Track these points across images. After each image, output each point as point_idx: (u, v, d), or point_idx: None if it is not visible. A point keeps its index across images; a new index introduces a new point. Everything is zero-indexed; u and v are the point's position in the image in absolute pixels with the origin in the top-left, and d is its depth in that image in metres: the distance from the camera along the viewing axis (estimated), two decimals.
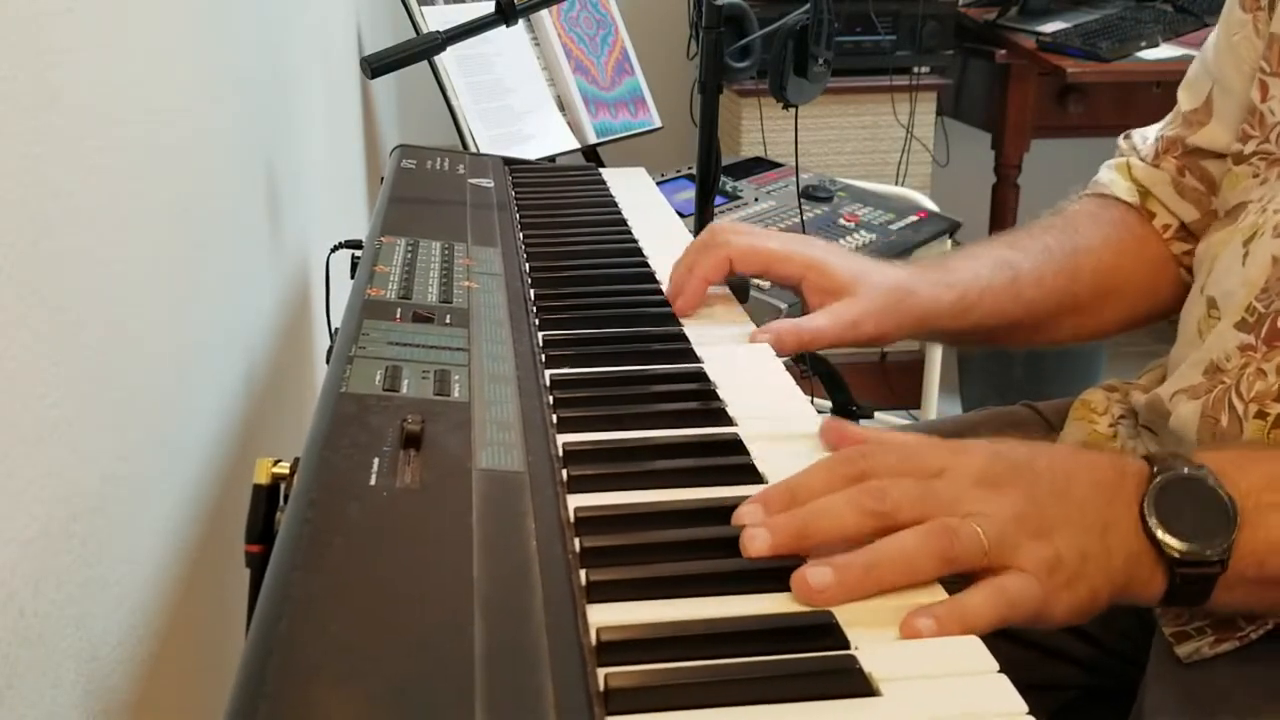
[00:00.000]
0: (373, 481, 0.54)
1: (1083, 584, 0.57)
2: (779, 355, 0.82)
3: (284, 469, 0.64)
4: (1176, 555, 0.58)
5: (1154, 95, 2.56)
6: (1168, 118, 0.99)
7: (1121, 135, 1.03)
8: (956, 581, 0.55)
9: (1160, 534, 0.58)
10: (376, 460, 0.56)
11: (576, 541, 0.54)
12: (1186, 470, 0.60)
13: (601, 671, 0.45)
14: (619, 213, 1.10)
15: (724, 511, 0.57)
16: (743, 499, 0.58)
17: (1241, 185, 0.85)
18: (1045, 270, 0.93)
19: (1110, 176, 0.99)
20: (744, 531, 0.54)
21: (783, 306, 1.61)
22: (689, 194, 1.55)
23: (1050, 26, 2.67)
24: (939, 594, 0.53)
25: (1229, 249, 0.81)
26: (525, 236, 1.00)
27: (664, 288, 0.90)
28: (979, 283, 0.90)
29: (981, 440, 0.62)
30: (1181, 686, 0.72)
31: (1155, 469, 0.60)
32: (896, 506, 0.55)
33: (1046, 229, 0.97)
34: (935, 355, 2.24)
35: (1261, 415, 0.74)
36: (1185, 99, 0.96)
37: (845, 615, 0.50)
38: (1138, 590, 0.59)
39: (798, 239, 0.90)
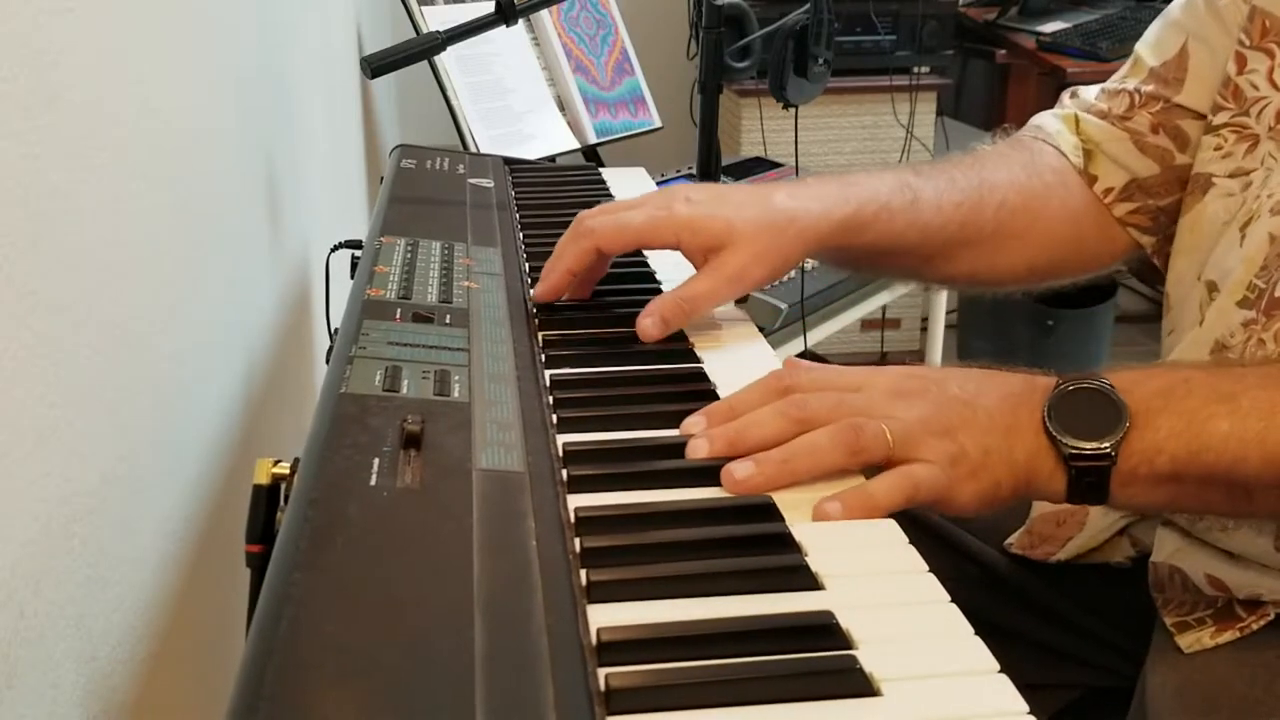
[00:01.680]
0: (373, 482, 0.54)
1: (986, 474, 0.64)
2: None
3: (284, 469, 0.64)
4: (1070, 450, 0.64)
5: None
6: (1122, 72, 0.95)
7: (1068, 91, 1.00)
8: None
9: (1055, 431, 0.64)
10: (377, 460, 0.56)
11: (577, 541, 0.54)
12: (1088, 382, 0.66)
13: (602, 672, 0.45)
14: None
15: (724, 512, 0.58)
16: (742, 498, 0.59)
17: (1204, 155, 0.84)
18: (946, 200, 0.90)
19: (1056, 127, 0.96)
20: (689, 442, 0.63)
21: (783, 307, 1.61)
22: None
23: (1050, 26, 2.67)
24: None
25: (1226, 235, 0.81)
26: (525, 236, 1.00)
27: (664, 288, 0.90)
28: (876, 200, 0.87)
29: (902, 366, 0.66)
30: (1182, 676, 0.72)
31: (1060, 381, 0.66)
32: (814, 414, 0.63)
33: (954, 164, 0.94)
34: (935, 355, 2.24)
35: None
36: (1150, 54, 0.92)
37: (841, 596, 0.50)
38: (1041, 485, 0.65)
39: (660, 197, 0.85)
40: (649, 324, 0.79)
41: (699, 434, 0.64)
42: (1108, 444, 0.64)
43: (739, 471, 0.60)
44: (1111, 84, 0.96)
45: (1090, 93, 0.98)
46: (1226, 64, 0.84)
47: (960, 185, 0.91)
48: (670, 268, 0.92)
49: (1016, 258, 0.94)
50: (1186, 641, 0.74)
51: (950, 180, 0.91)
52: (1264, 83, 0.81)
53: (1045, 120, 0.98)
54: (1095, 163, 0.94)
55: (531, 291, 0.84)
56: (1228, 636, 0.72)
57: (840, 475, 0.62)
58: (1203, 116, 0.88)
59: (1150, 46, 0.93)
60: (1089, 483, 0.65)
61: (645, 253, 0.98)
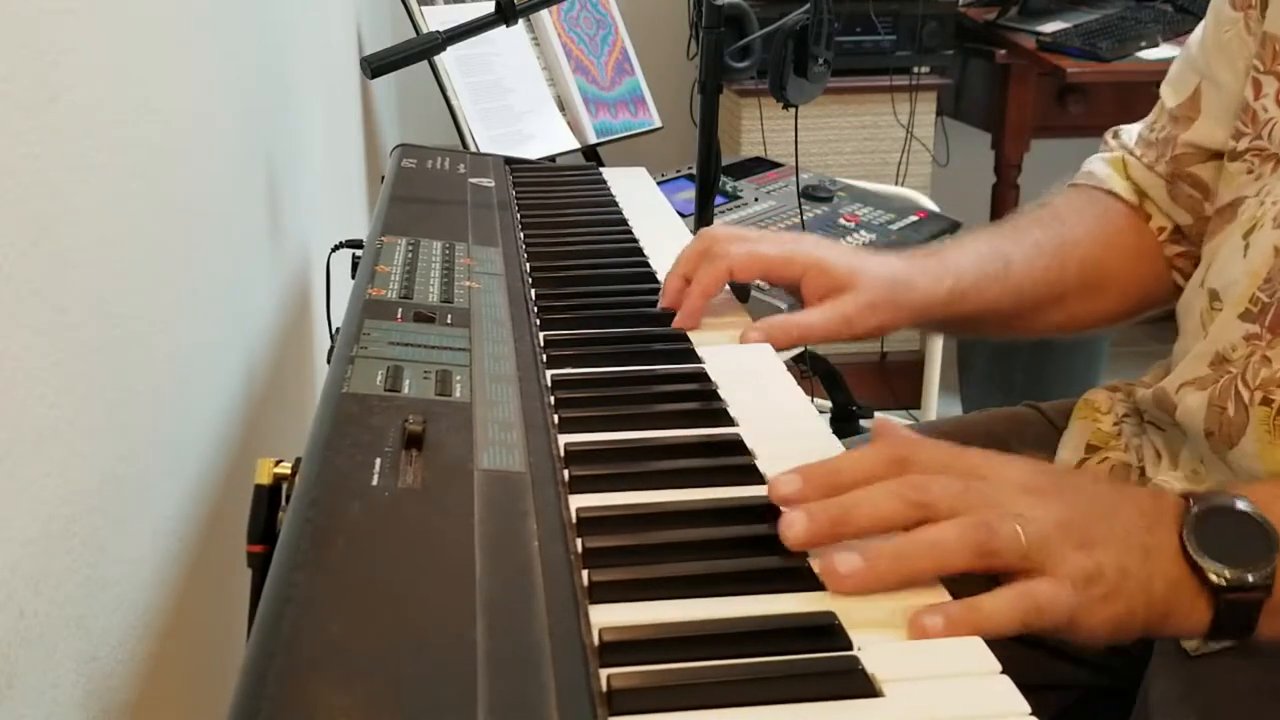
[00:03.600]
0: (374, 482, 0.54)
1: (1121, 600, 0.56)
2: (774, 349, 0.82)
3: (285, 469, 0.64)
4: (1221, 582, 0.57)
5: (1154, 95, 2.55)
6: (1151, 116, 0.98)
7: (1109, 132, 1.03)
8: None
9: (1202, 560, 0.57)
10: (378, 460, 0.55)
11: (578, 542, 0.54)
12: (1224, 500, 0.59)
13: (604, 672, 0.45)
14: (619, 213, 1.10)
15: (725, 512, 0.57)
16: (744, 499, 0.58)
17: (1236, 182, 0.85)
18: (1036, 262, 0.94)
19: (1106, 172, 0.99)
20: (784, 514, 0.54)
21: (782, 307, 1.61)
22: (689, 194, 1.55)
23: (1050, 26, 2.67)
24: (944, 596, 0.53)
25: (1229, 243, 0.82)
26: (526, 236, 0.99)
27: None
28: (972, 272, 0.91)
29: (1023, 456, 0.62)
30: (1187, 679, 0.72)
31: (1191, 500, 0.60)
32: (938, 500, 0.54)
33: (1034, 222, 0.97)
34: (935, 355, 2.24)
35: (1267, 402, 0.74)
36: (1169, 94, 0.95)
37: (850, 611, 0.50)
38: (1179, 620, 0.58)
39: (792, 239, 0.90)
40: (754, 337, 0.82)
41: (794, 501, 0.55)
42: (1261, 573, 0.57)
43: (844, 565, 0.52)
44: (1145, 130, 0.99)
45: (1131, 135, 1.00)
46: (1243, 91, 0.85)
47: (1044, 247, 0.95)
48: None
49: (1104, 305, 0.98)
50: (1192, 644, 0.74)
51: (1035, 243, 0.95)
52: (1273, 105, 0.82)
53: (1096, 166, 1.01)
54: (1146, 204, 0.97)
55: (661, 306, 0.85)
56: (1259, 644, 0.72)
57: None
58: (1213, 156, 0.90)
59: (1170, 85, 0.95)
60: (1237, 618, 0.58)
61: (646, 253, 0.98)
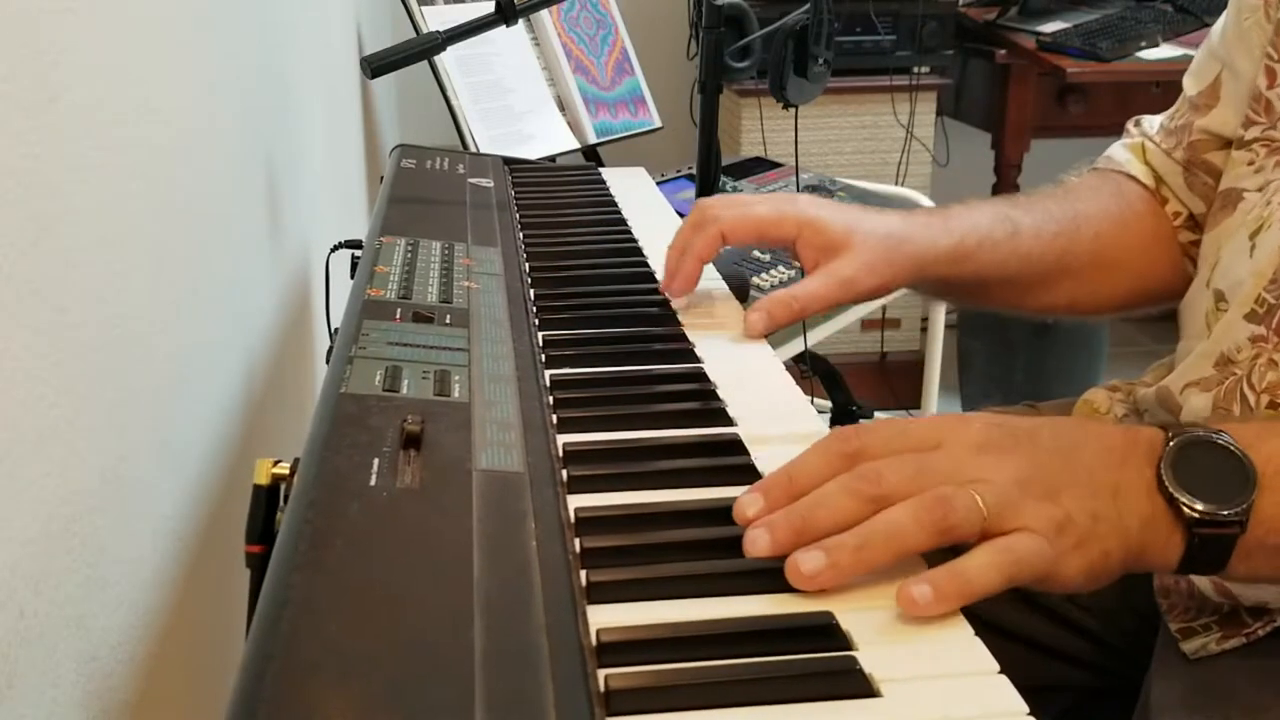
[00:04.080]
0: (373, 482, 0.54)
1: (1095, 545, 0.55)
2: (775, 329, 0.82)
3: (284, 469, 0.64)
4: (1195, 515, 0.56)
5: (1154, 95, 2.56)
6: (1174, 107, 0.98)
7: (1131, 121, 1.02)
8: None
9: (1179, 494, 0.57)
10: (377, 461, 0.56)
11: (577, 542, 0.54)
12: (1204, 433, 0.59)
13: (602, 672, 0.45)
14: (619, 213, 1.10)
15: (724, 512, 0.57)
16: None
17: (1236, 170, 0.84)
18: (1045, 230, 0.92)
19: (1126, 156, 0.99)
20: (746, 533, 0.54)
21: None
22: (689, 194, 1.55)
23: (1050, 26, 2.67)
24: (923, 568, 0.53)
25: (1234, 241, 0.81)
26: (525, 236, 1.00)
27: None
28: (978, 231, 0.89)
29: (981, 412, 0.61)
30: (1187, 682, 0.72)
31: (1171, 433, 0.59)
32: (893, 487, 0.54)
33: (1048, 195, 0.97)
34: (935, 355, 2.23)
35: (1273, 405, 0.74)
36: (1190, 84, 0.94)
37: (844, 599, 0.51)
38: (1153, 555, 0.57)
39: (785, 198, 0.89)
40: (756, 319, 0.82)
41: (757, 521, 0.55)
42: (1237, 508, 0.57)
43: (806, 565, 0.51)
44: (1166, 119, 0.98)
45: (1153, 124, 1.00)
46: (1256, 79, 0.84)
47: (1056, 216, 0.93)
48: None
49: (1115, 285, 0.96)
50: (1191, 647, 0.73)
51: (1046, 211, 0.93)
52: None
53: (1116, 151, 1.00)
54: (1163, 189, 0.96)
55: (660, 283, 0.86)
56: (1234, 643, 0.72)
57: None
58: (1228, 144, 0.89)
59: (1192, 74, 0.95)
60: (1210, 553, 0.58)
61: (646, 253, 0.98)
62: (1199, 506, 0.57)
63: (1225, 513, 0.57)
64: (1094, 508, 0.56)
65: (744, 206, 0.86)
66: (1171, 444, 0.58)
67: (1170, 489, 0.57)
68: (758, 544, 0.54)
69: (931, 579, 0.50)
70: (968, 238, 0.89)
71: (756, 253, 1.55)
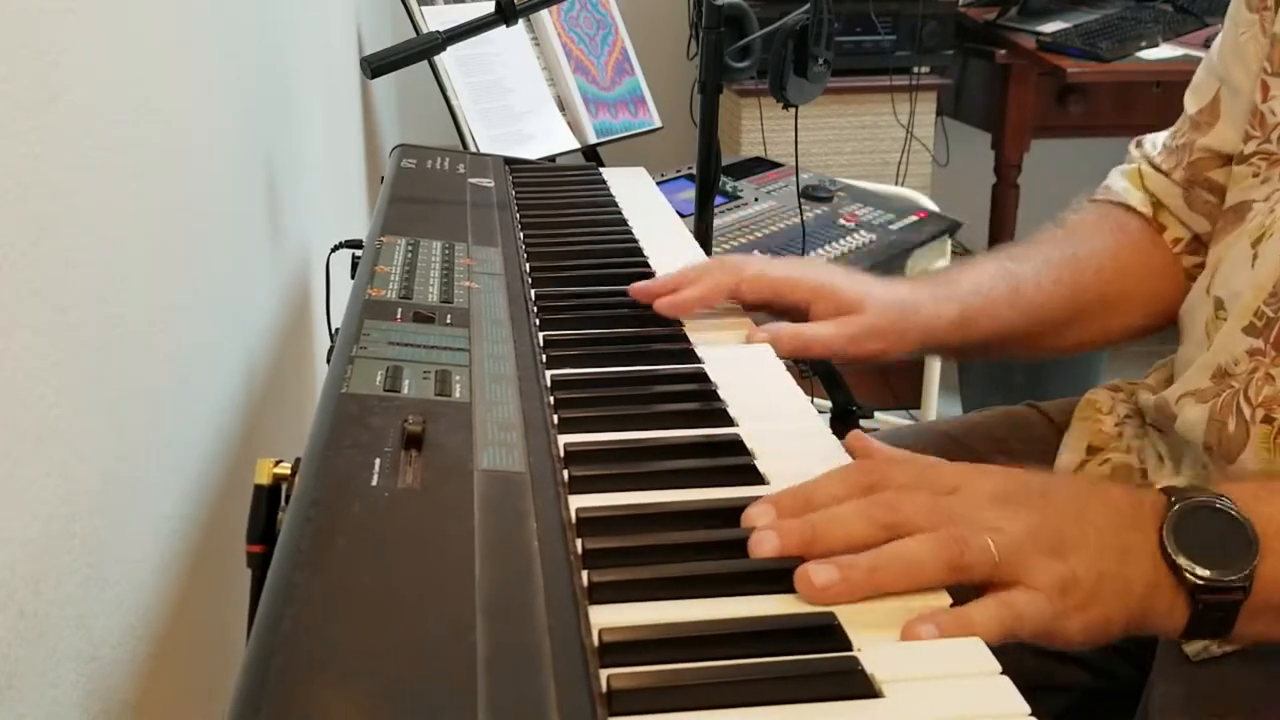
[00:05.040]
0: (374, 482, 0.54)
1: (1097, 607, 0.55)
2: (778, 354, 0.82)
3: (285, 469, 0.64)
4: (1199, 582, 0.57)
5: (1154, 95, 2.57)
6: (1176, 125, 0.98)
7: (1133, 142, 1.02)
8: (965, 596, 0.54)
9: (1181, 560, 0.57)
10: (378, 461, 0.55)
11: (578, 542, 0.54)
12: (1205, 498, 0.59)
13: (604, 673, 0.45)
14: (619, 213, 1.10)
15: (725, 512, 0.57)
16: (744, 499, 0.58)
17: (1243, 185, 0.85)
18: (1045, 279, 0.93)
19: (1123, 185, 0.99)
20: (753, 534, 0.54)
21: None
22: (689, 194, 1.55)
23: (1050, 26, 2.67)
24: (945, 601, 0.53)
25: (1235, 249, 0.81)
26: (525, 236, 0.99)
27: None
28: (980, 294, 0.91)
29: (996, 465, 0.61)
30: (1189, 684, 0.72)
31: (1173, 498, 0.59)
32: (907, 518, 0.55)
33: (1047, 240, 0.97)
34: (935, 358, 2.24)
35: (1269, 420, 0.74)
36: (1191, 102, 0.95)
37: (848, 615, 0.50)
38: (1157, 620, 0.58)
39: (802, 263, 0.93)
40: (760, 336, 0.84)
41: (765, 526, 0.55)
42: (1240, 573, 0.57)
43: (819, 577, 0.51)
44: (1168, 138, 0.98)
45: (1155, 144, 1.00)
46: (1253, 94, 0.85)
47: (1056, 262, 0.94)
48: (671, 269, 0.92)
49: (1123, 321, 0.97)
50: (1193, 649, 0.73)
51: (1045, 259, 0.95)
52: None
53: (1113, 180, 1.01)
54: (1162, 215, 0.96)
55: (639, 289, 0.86)
56: (1235, 645, 0.72)
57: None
58: (1229, 161, 0.89)
59: (1192, 92, 0.95)
60: (1215, 618, 0.58)
61: (646, 253, 0.98)
62: (1202, 573, 0.57)
63: (1229, 578, 0.57)
64: (1100, 568, 0.56)
65: (763, 265, 0.90)
66: (1173, 509, 0.58)
67: (1173, 555, 0.57)
68: (764, 545, 0.54)
69: (938, 621, 0.51)
70: (971, 303, 0.90)
71: None
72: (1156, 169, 0.97)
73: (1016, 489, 0.58)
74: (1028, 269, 0.93)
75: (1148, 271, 0.96)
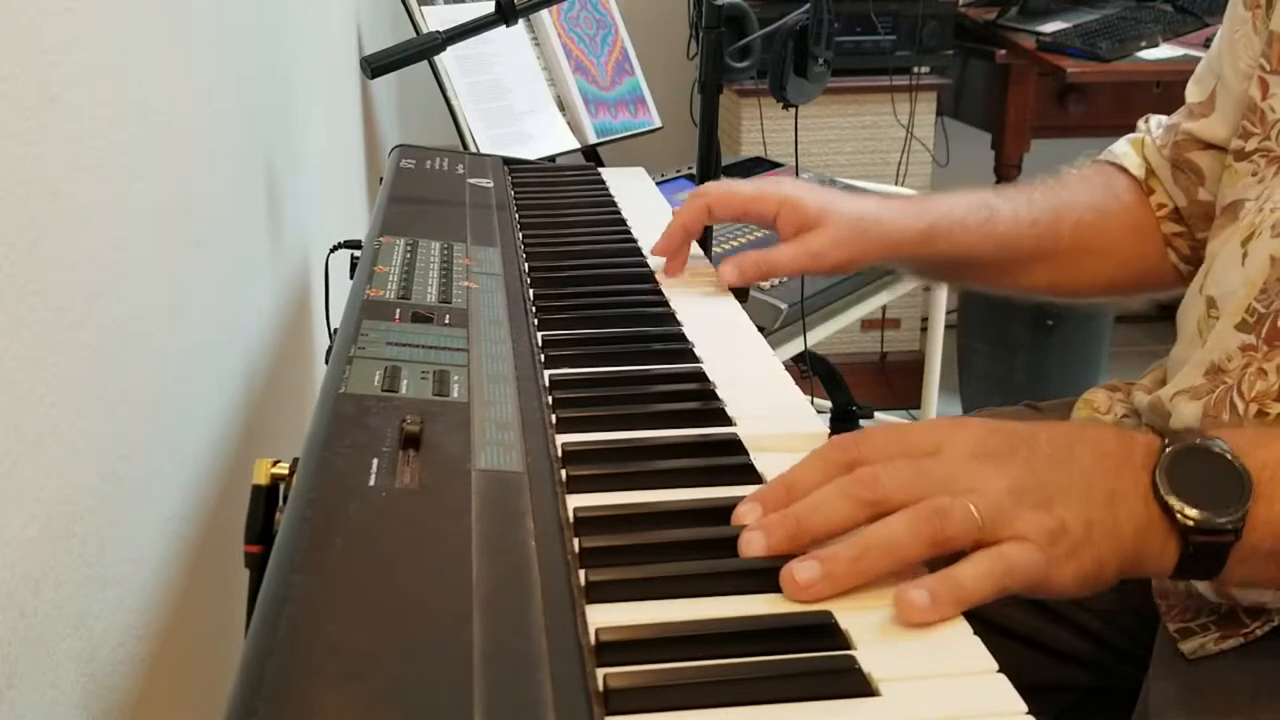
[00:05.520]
0: (372, 482, 0.54)
1: (1088, 553, 0.55)
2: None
3: (283, 469, 0.64)
4: (1190, 523, 0.56)
5: (1154, 95, 2.56)
6: (1179, 111, 1.00)
7: (1143, 119, 1.05)
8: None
9: (1174, 501, 0.57)
10: (376, 461, 0.56)
11: (575, 542, 0.54)
12: (1200, 441, 0.59)
13: (600, 672, 0.45)
14: (619, 213, 1.10)
15: (723, 512, 0.57)
16: (741, 499, 0.58)
17: (1240, 182, 0.85)
18: (1023, 217, 0.97)
19: (1124, 149, 1.02)
20: (741, 534, 0.54)
21: (783, 307, 1.61)
22: (689, 194, 1.55)
23: (1050, 26, 2.67)
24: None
25: (1228, 248, 0.82)
26: (525, 236, 1.00)
27: (664, 288, 0.90)
28: (951, 216, 0.95)
29: (979, 417, 0.62)
30: (1186, 682, 0.72)
31: (1167, 439, 0.59)
32: (889, 492, 0.54)
33: (1037, 186, 1.01)
34: (935, 355, 2.24)
35: (1262, 414, 0.74)
36: (1193, 92, 0.97)
37: (840, 599, 0.51)
38: (1149, 562, 0.58)
39: (770, 180, 0.96)
40: (728, 269, 0.91)
41: (753, 524, 0.55)
42: (1233, 515, 0.57)
43: (802, 574, 0.51)
44: (1168, 119, 1.01)
45: (1160, 122, 1.03)
46: (1247, 90, 0.86)
47: (1038, 204, 0.98)
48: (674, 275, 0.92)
49: (1094, 272, 1.00)
50: (1190, 647, 0.74)
51: (1029, 200, 0.98)
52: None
53: (1118, 145, 1.04)
54: (1152, 180, 0.99)
55: (669, 308, 0.89)
56: (1232, 643, 0.72)
57: None
58: (1210, 147, 0.93)
59: (1194, 83, 0.97)
60: (1205, 560, 0.58)
61: (645, 253, 0.98)
62: (1194, 514, 0.57)
63: (1220, 520, 0.57)
64: (1089, 515, 0.56)
65: (731, 185, 0.96)
66: (1167, 451, 0.58)
67: (1165, 496, 0.57)
68: (753, 545, 0.54)
69: (929, 586, 0.51)
70: (940, 222, 0.94)
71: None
72: (1153, 142, 1.00)
73: (999, 442, 0.58)
74: (1007, 205, 0.97)
75: (1127, 228, 0.98)
